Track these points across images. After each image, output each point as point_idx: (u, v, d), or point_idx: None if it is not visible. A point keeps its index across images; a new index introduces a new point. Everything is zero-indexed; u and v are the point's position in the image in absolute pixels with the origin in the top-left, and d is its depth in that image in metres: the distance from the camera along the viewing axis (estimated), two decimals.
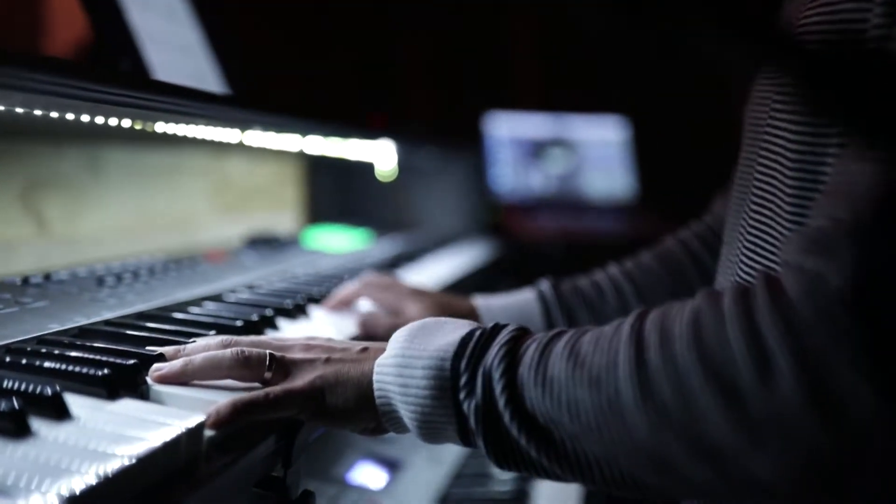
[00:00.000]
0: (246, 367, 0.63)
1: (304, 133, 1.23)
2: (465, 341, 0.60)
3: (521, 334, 0.60)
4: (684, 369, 0.49)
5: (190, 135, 0.99)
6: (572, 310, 0.96)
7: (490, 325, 0.62)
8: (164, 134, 0.98)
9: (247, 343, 0.67)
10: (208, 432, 0.57)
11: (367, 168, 1.84)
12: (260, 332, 0.83)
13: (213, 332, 0.76)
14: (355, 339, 0.83)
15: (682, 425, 0.49)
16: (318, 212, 1.84)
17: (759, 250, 0.63)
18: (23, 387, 0.55)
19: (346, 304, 0.98)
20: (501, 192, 2.46)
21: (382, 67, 2.69)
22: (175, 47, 1.00)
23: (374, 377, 0.62)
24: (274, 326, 0.85)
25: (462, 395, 0.58)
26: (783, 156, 0.60)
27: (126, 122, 0.86)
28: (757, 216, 0.64)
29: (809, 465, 0.46)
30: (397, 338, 0.63)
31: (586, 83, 2.71)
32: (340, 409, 0.63)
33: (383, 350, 0.64)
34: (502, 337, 0.59)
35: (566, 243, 2.15)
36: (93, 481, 0.44)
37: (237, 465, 0.58)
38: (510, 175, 2.50)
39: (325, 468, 1.13)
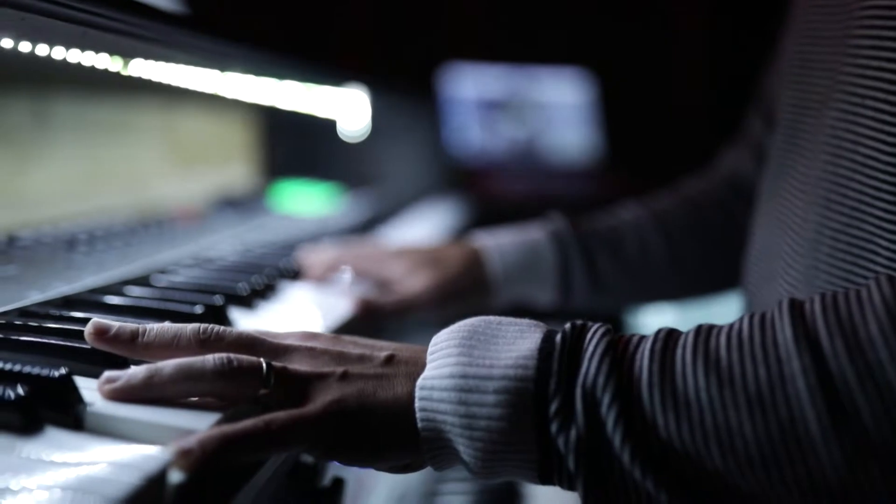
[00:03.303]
0: (235, 379, 0.46)
1: (274, 74, 1.12)
2: (545, 352, 0.45)
3: (614, 336, 0.47)
4: (892, 386, 0.39)
5: (140, 74, 0.87)
6: (591, 252, 0.87)
7: (567, 324, 0.48)
8: (115, 77, 0.86)
9: (231, 341, 0.49)
10: (175, 477, 0.40)
11: (329, 125, 1.74)
12: (268, 298, 0.74)
13: (216, 297, 0.66)
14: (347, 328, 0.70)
15: (894, 457, 0.39)
16: (277, 168, 1.73)
17: (837, 206, 0.57)
18: None
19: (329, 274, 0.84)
20: (463, 153, 2.37)
21: (327, 24, 2.56)
22: None
23: (419, 403, 0.46)
24: (275, 296, 0.76)
25: (554, 428, 0.44)
26: (876, 98, 0.53)
27: (74, 56, 0.74)
28: (834, 168, 0.58)
29: None
30: (444, 347, 0.48)
31: (547, 35, 2.62)
32: (365, 445, 0.47)
33: (417, 360, 0.49)
34: (595, 344, 0.45)
35: (535, 206, 2.09)
36: None
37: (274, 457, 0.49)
38: (471, 135, 2.42)
39: None
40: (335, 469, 0.63)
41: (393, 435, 0.47)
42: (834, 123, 0.58)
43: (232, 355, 0.46)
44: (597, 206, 1.06)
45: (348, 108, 1.59)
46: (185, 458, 0.40)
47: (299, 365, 0.48)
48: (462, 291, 0.82)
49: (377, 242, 0.94)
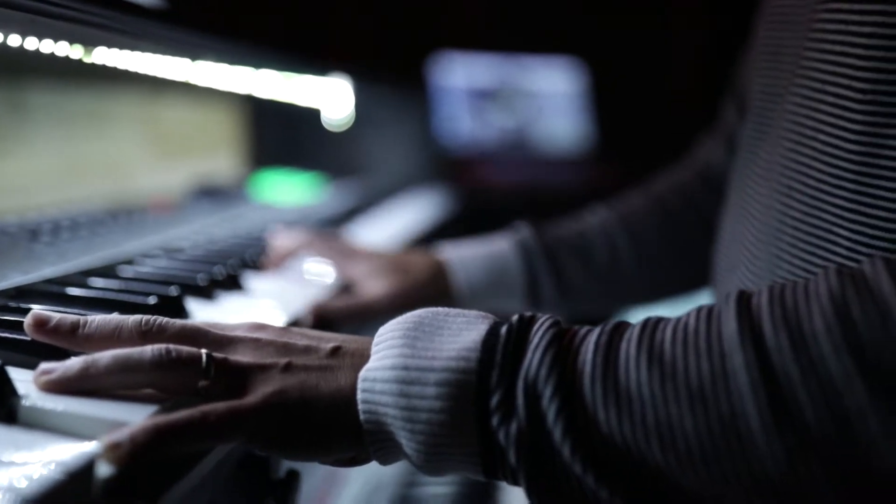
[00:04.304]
0: (173, 370, 0.45)
1: (249, 63, 1.11)
2: (489, 344, 0.45)
3: (561, 329, 0.45)
4: (835, 382, 0.38)
5: (122, 66, 0.87)
6: (559, 261, 0.86)
7: (514, 316, 0.46)
8: (95, 67, 0.86)
9: (174, 332, 0.48)
10: (104, 471, 0.39)
11: (313, 115, 1.73)
12: (229, 289, 0.73)
13: (172, 287, 0.65)
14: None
15: (836, 455, 0.38)
16: (262, 157, 1.72)
17: (798, 194, 0.56)
18: None
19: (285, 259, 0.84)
20: (451, 142, 2.36)
21: (319, 12, 2.54)
22: None
23: (361, 395, 0.45)
24: (238, 286, 0.75)
25: (495, 421, 0.43)
26: (839, 84, 0.52)
27: (48, 46, 0.74)
28: (795, 155, 0.57)
29: None
30: (388, 339, 0.47)
31: (538, 24, 2.60)
32: (306, 438, 0.46)
33: (363, 352, 0.48)
34: (539, 337, 0.44)
35: (524, 196, 2.08)
36: None
37: (219, 448, 0.48)
38: (460, 124, 2.41)
39: None
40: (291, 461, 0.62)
41: (335, 428, 0.46)
42: (796, 110, 0.57)
43: (171, 346, 0.45)
44: (588, 195, 1.05)
45: (332, 98, 1.58)
46: (114, 451, 0.39)
47: (242, 356, 0.48)
48: (424, 302, 0.80)
49: (346, 237, 0.92)
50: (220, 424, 0.43)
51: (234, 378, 0.46)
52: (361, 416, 0.46)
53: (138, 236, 0.90)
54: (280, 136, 1.79)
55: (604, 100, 2.47)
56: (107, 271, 0.74)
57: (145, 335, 0.47)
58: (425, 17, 2.60)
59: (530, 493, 0.44)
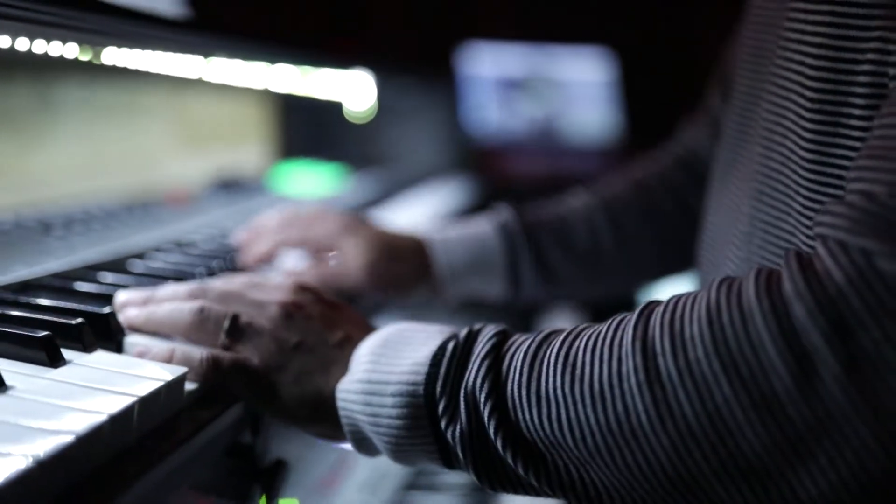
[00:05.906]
0: (202, 329, 0.57)
1: (272, 60, 1.13)
2: (437, 358, 0.53)
3: (502, 340, 0.53)
4: (706, 380, 0.42)
5: (144, 68, 0.90)
6: (539, 243, 0.86)
7: (464, 330, 0.54)
8: (118, 67, 0.89)
9: (216, 294, 0.59)
10: (189, 386, 0.53)
11: (339, 107, 1.75)
12: None
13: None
14: None
15: (711, 443, 0.42)
16: (289, 148, 1.74)
17: (767, 199, 0.57)
18: None
19: (264, 261, 0.82)
20: (478, 132, 2.37)
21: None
22: None
23: (339, 403, 0.55)
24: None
25: (443, 423, 0.51)
26: (797, 93, 0.53)
27: (72, 50, 0.77)
28: (766, 160, 0.58)
29: (861, 478, 0.40)
30: (360, 358, 0.56)
31: (567, 11, 2.59)
32: (291, 410, 0.57)
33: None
34: (481, 348, 0.52)
35: (552, 187, 2.08)
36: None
37: (204, 433, 0.52)
38: (487, 114, 2.42)
39: None
40: (277, 451, 0.64)
41: (318, 412, 0.56)
42: (767, 115, 0.58)
43: (207, 304, 0.58)
44: None
45: (355, 90, 1.60)
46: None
47: (265, 322, 0.57)
48: (403, 280, 0.81)
49: (320, 208, 0.89)
50: (217, 368, 0.55)
51: (251, 339, 0.57)
52: (342, 420, 0.55)
53: (150, 230, 0.93)
54: (308, 127, 1.81)
55: (633, 90, 2.45)
56: (116, 266, 0.77)
57: (194, 296, 0.60)
58: (454, 7, 2.60)
59: (480, 480, 0.52)
